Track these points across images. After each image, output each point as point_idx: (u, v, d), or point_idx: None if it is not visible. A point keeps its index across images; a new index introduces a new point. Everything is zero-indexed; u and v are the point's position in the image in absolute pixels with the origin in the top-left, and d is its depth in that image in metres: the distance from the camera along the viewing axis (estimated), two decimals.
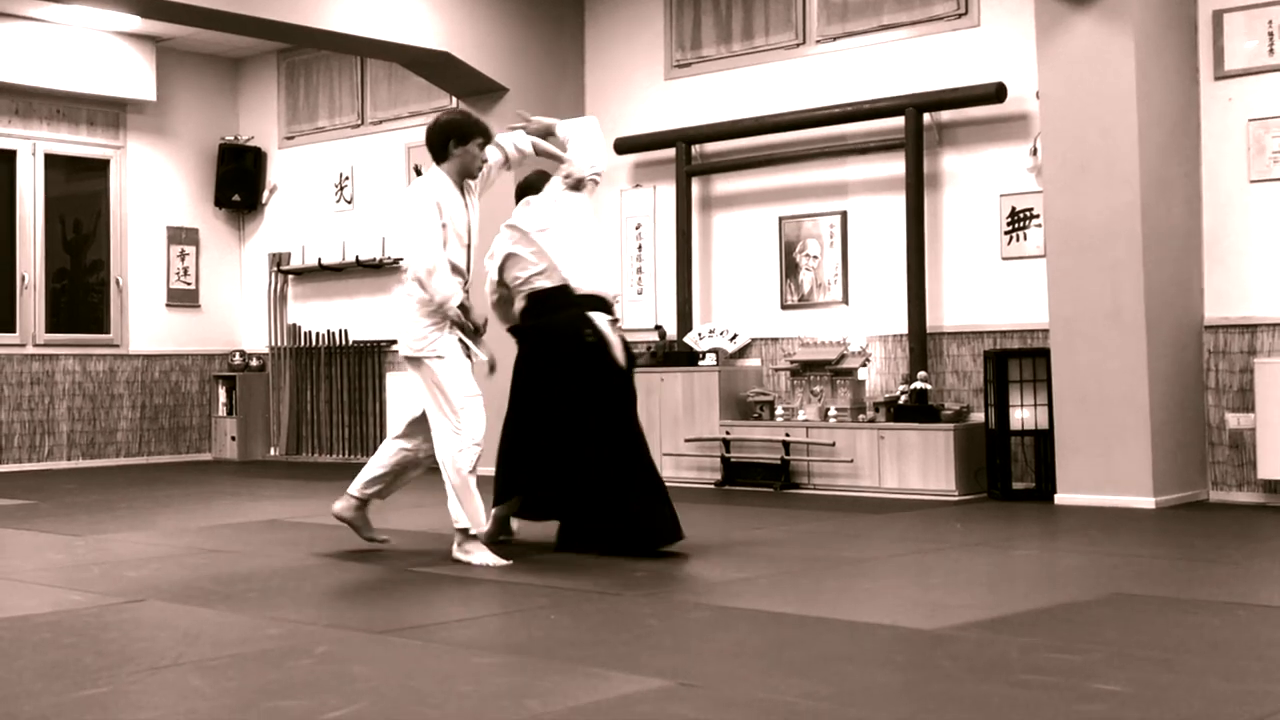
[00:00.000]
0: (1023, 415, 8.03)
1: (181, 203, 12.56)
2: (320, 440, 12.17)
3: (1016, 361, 8.07)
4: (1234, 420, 7.67)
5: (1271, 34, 7.61)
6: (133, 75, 11.87)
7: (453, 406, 5.65)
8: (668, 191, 9.94)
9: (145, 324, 12.25)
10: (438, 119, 6.01)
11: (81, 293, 12.04)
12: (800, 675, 3.56)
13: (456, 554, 5.65)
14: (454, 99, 10.58)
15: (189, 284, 12.57)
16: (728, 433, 8.92)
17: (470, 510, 5.63)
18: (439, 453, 5.71)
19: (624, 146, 10.01)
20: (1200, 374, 7.81)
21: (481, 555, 5.61)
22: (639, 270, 10.15)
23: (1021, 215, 8.43)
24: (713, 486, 8.90)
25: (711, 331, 9.48)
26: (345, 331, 12.03)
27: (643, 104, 10.20)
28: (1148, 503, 7.33)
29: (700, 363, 9.25)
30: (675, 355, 9.39)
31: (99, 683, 3.53)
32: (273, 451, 12.50)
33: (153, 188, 12.36)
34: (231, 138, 12.74)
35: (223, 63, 12.87)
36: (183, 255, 12.53)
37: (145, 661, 3.80)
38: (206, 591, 4.99)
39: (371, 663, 3.74)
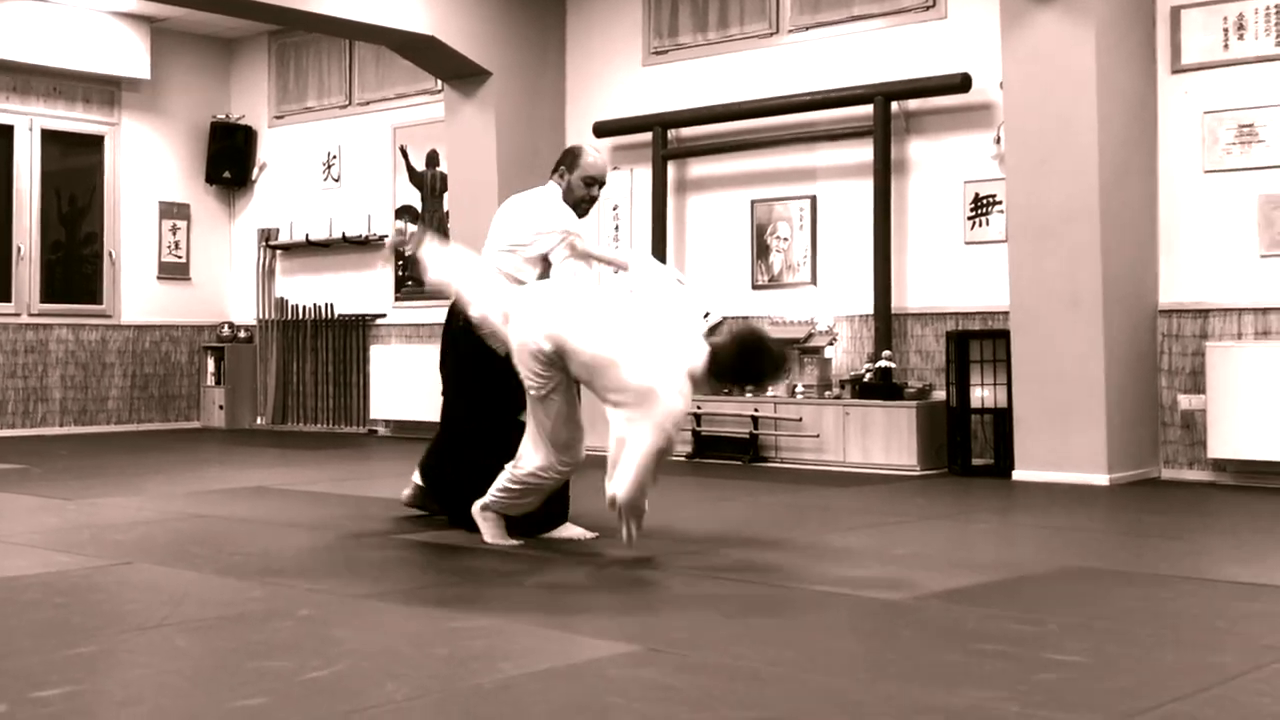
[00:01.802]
0: (983, 394, 8.18)
1: (174, 179, 12.71)
2: (305, 410, 12.35)
3: (977, 342, 8.21)
4: (1186, 401, 7.83)
5: (1226, 30, 7.77)
6: (128, 54, 11.98)
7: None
8: (644, 174, 10.03)
9: (137, 295, 12.41)
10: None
11: (75, 264, 12.16)
12: (765, 642, 3.62)
13: (477, 514, 5.24)
14: (439, 82, 10.77)
15: (180, 257, 12.74)
16: (699, 407, 8.97)
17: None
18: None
19: (602, 130, 10.10)
20: (1154, 356, 7.95)
21: (495, 532, 5.23)
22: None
23: (984, 201, 8.59)
24: (683, 459, 8.99)
25: None
26: (331, 305, 12.21)
27: (621, 89, 10.30)
28: (1102, 480, 7.46)
29: None
30: None
31: (87, 642, 3.58)
32: (259, 420, 12.64)
33: (146, 164, 12.50)
34: (223, 116, 12.86)
35: (215, 43, 12.98)
36: (174, 230, 12.68)
37: (132, 622, 3.87)
38: (193, 555, 5.03)
39: (352, 626, 3.82)
